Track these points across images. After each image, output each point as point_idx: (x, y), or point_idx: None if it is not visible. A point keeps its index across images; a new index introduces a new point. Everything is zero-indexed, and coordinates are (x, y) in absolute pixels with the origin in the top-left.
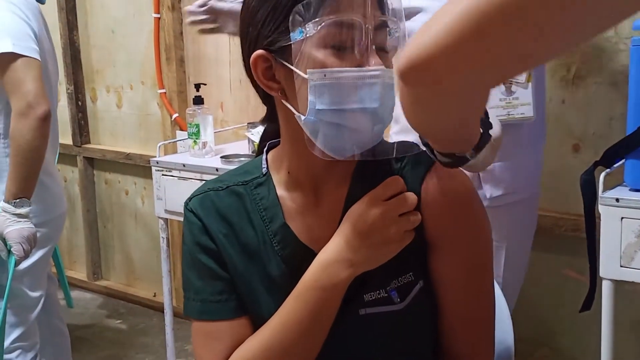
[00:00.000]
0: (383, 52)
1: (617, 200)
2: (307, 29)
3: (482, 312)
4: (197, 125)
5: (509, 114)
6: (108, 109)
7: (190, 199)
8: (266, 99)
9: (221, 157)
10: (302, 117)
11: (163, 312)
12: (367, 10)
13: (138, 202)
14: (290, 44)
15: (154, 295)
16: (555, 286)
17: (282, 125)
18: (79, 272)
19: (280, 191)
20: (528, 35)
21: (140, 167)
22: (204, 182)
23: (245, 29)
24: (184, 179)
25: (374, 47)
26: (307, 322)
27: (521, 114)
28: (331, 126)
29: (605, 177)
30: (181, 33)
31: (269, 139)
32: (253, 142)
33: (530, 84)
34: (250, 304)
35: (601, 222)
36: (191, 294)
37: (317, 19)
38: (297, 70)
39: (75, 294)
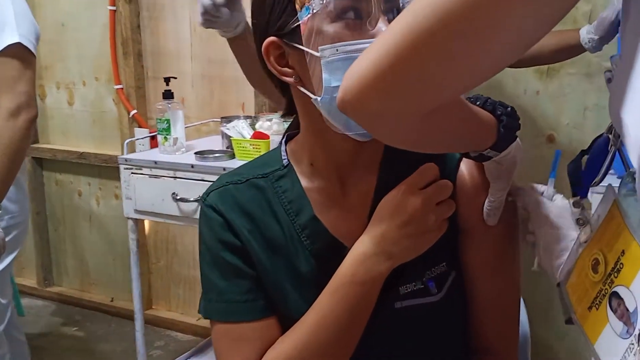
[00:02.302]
0: None
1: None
2: (313, 4)
3: (510, 299)
4: (168, 121)
5: None
6: (59, 106)
7: (207, 193)
8: (283, 89)
9: (195, 153)
10: (319, 99)
11: (122, 317)
12: None
13: (92, 204)
14: (299, 25)
15: (112, 300)
16: (532, 273)
17: (301, 115)
18: (29, 279)
19: (305, 183)
20: (439, 66)
21: (95, 167)
22: (177, 179)
23: (254, 20)
24: (156, 176)
25: (385, 17)
26: (345, 318)
27: None
28: None
29: None
30: (138, 26)
31: (294, 130)
32: (229, 137)
33: None
34: (278, 302)
35: (592, 209)
36: (213, 295)
37: None
38: (308, 50)
39: (25, 301)
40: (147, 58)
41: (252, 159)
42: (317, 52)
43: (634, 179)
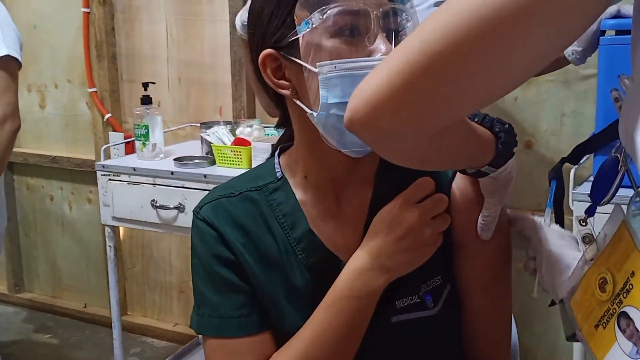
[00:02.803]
0: (397, 39)
1: (589, 195)
2: (313, 19)
3: (503, 311)
4: (147, 126)
5: None
6: (30, 109)
7: (200, 207)
8: (278, 101)
9: (175, 160)
10: (315, 114)
11: (96, 323)
12: None
13: (65, 209)
14: (298, 38)
15: (85, 306)
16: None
17: (296, 127)
18: None
19: (299, 196)
20: (451, 87)
21: (67, 171)
22: (156, 186)
23: (251, 30)
24: (135, 183)
25: (384, 34)
26: (341, 332)
27: None
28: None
29: (575, 173)
30: (113, 29)
31: (286, 142)
32: (209, 143)
33: None
34: (273, 317)
35: (573, 217)
36: (206, 310)
37: (322, 8)
38: (306, 65)
39: None
40: (122, 61)
41: (245, 171)
42: (315, 67)
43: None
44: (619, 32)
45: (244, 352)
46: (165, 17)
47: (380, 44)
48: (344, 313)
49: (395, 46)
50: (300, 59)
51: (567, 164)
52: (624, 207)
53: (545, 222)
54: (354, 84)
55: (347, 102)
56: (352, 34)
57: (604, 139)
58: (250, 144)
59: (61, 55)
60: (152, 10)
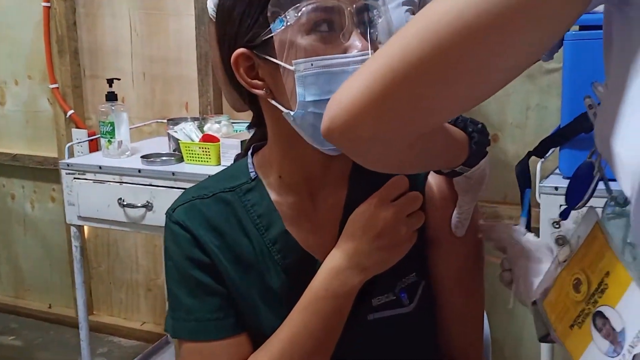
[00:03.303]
0: (370, 35)
1: (556, 188)
2: (288, 17)
3: (477, 305)
4: (112, 124)
5: None
6: None
7: (173, 209)
8: (251, 102)
9: (141, 157)
10: (292, 113)
11: (61, 324)
12: None
13: (27, 207)
14: (272, 37)
15: (49, 307)
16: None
17: (270, 127)
18: None
19: (274, 196)
20: (433, 93)
21: (28, 169)
22: (123, 184)
23: (222, 29)
24: (101, 182)
25: (358, 30)
26: (318, 332)
27: None
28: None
29: (541, 166)
30: (74, 23)
31: (257, 142)
32: (177, 139)
33: None
34: (249, 318)
35: (540, 210)
36: (181, 314)
37: (296, 5)
38: (282, 63)
39: None
40: (84, 56)
41: (218, 170)
42: (291, 65)
43: (618, 203)
44: (582, 28)
45: (220, 355)
46: (129, 11)
47: (355, 40)
48: (320, 313)
49: (370, 42)
50: (275, 58)
51: (533, 157)
52: (598, 210)
53: (520, 231)
54: (331, 81)
55: (325, 100)
56: (327, 31)
57: (570, 132)
58: (218, 140)
59: (21, 51)
60: (115, 4)
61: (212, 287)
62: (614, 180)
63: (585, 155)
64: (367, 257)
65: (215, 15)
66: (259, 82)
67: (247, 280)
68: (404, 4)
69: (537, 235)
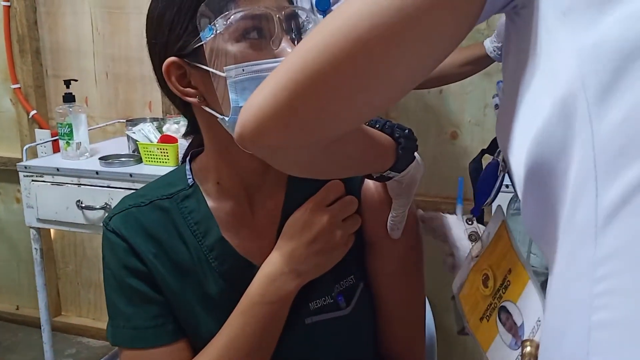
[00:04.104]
0: (298, 42)
1: (507, 186)
2: (217, 25)
3: (416, 306)
4: (70, 125)
5: None
6: None
7: (110, 217)
8: (185, 109)
9: (100, 159)
10: (226, 119)
11: (29, 325)
12: (271, 2)
13: None
14: (202, 45)
15: (17, 309)
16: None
17: (206, 134)
18: None
19: (211, 203)
20: (336, 102)
21: None
22: (82, 186)
23: (152, 38)
24: (59, 184)
25: (288, 36)
26: (256, 337)
27: None
28: None
29: None
30: (35, 22)
31: (195, 149)
32: (135, 140)
33: None
34: (188, 325)
35: (492, 206)
36: (120, 322)
37: (225, 13)
38: (213, 70)
39: None
40: (46, 56)
41: (157, 178)
42: (222, 72)
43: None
44: None
45: None
46: (90, 9)
47: (286, 47)
48: (257, 318)
49: None
50: (206, 65)
51: (487, 155)
52: (505, 208)
53: (458, 218)
54: None
55: None
56: (257, 38)
57: None
58: (177, 141)
59: None
60: (76, 3)
61: (149, 295)
62: None
63: None
64: (302, 262)
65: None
66: (192, 90)
67: (185, 286)
68: None
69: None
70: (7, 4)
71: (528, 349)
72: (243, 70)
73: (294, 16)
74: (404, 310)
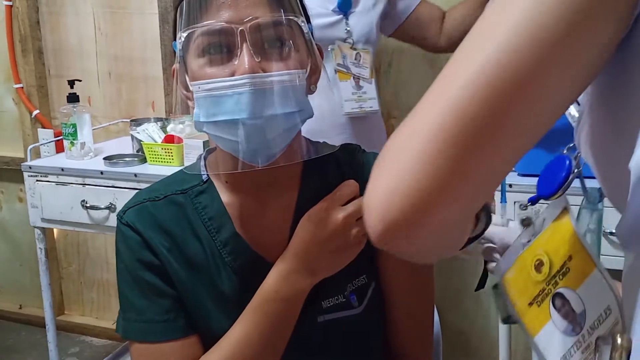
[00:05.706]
0: (265, 54)
1: (510, 185)
2: (181, 40)
3: (425, 307)
4: (74, 125)
5: (360, 107)
6: None
7: (124, 211)
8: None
9: (104, 159)
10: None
11: (32, 324)
12: (236, 13)
13: None
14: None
15: (20, 307)
16: (443, 263)
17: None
18: None
19: (225, 198)
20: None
21: None
22: (86, 186)
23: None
24: (63, 184)
25: (250, 49)
26: (268, 334)
27: (370, 107)
28: (215, 138)
29: None
30: (38, 22)
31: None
32: (139, 140)
33: (373, 79)
34: (199, 320)
35: (495, 206)
36: (132, 315)
37: (185, 29)
38: (189, 82)
39: None
40: (49, 55)
41: (173, 172)
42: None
43: (589, 200)
44: None
45: (170, 356)
46: (92, 9)
47: (244, 62)
48: (270, 315)
49: (266, 61)
50: (188, 75)
51: None
52: (567, 197)
53: (504, 218)
54: (217, 105)
55: (212, 122)
56: (218, 53)
57: None
58: (181, 141)
59: None
60: (78, 3)
61: (162, 289)
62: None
63: (536, 153)
64: (316, 260)
65: None
66: (190, 94)
67: (198, 282)
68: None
69: None
70: (9, 3)
71: (619, 340)
72: (199, 87)
73: (259, 29)
74: (413, 309)
